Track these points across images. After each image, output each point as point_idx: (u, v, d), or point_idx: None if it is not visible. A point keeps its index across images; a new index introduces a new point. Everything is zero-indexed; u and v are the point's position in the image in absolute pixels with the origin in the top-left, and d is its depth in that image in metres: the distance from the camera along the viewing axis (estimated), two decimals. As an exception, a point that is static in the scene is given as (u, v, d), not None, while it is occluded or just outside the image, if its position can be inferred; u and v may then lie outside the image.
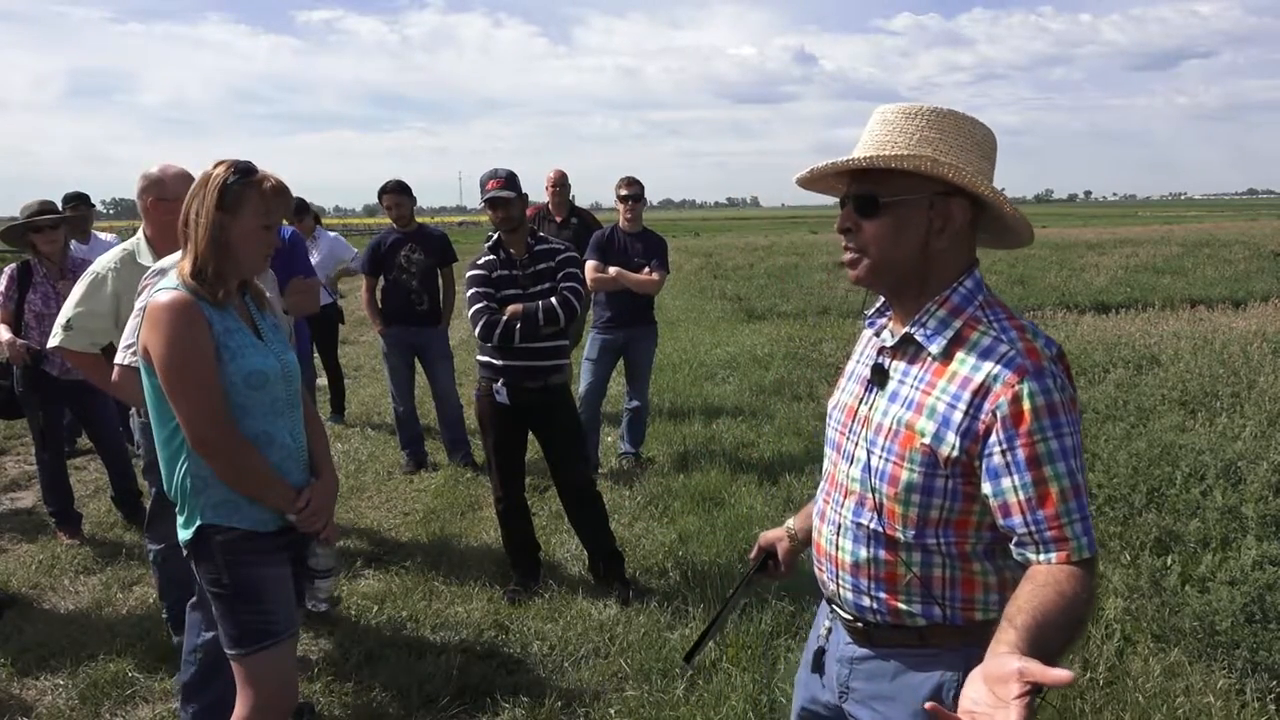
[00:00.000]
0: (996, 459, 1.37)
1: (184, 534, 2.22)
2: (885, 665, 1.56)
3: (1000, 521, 1.40)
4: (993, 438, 1.37)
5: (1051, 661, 1.19)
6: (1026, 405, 1.35)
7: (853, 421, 1.58)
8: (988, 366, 1.40)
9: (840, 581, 1.58)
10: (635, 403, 5.89)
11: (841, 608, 1.61)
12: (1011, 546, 1.40)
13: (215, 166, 2.19)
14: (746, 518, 4.71)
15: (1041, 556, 1.36)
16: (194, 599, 2.75)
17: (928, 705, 1.13)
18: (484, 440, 4.17)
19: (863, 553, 1.53)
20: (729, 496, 5.11)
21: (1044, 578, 1.32)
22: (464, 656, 3.48)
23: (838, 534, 1.58)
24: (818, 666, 1.72)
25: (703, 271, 20.76)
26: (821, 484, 1.67)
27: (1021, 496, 1.36)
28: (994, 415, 1.37)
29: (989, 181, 1.45)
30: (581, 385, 5.67)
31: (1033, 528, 1.36)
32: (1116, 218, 66.49)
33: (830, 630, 1.69)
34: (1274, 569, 3.58)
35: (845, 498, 1.56)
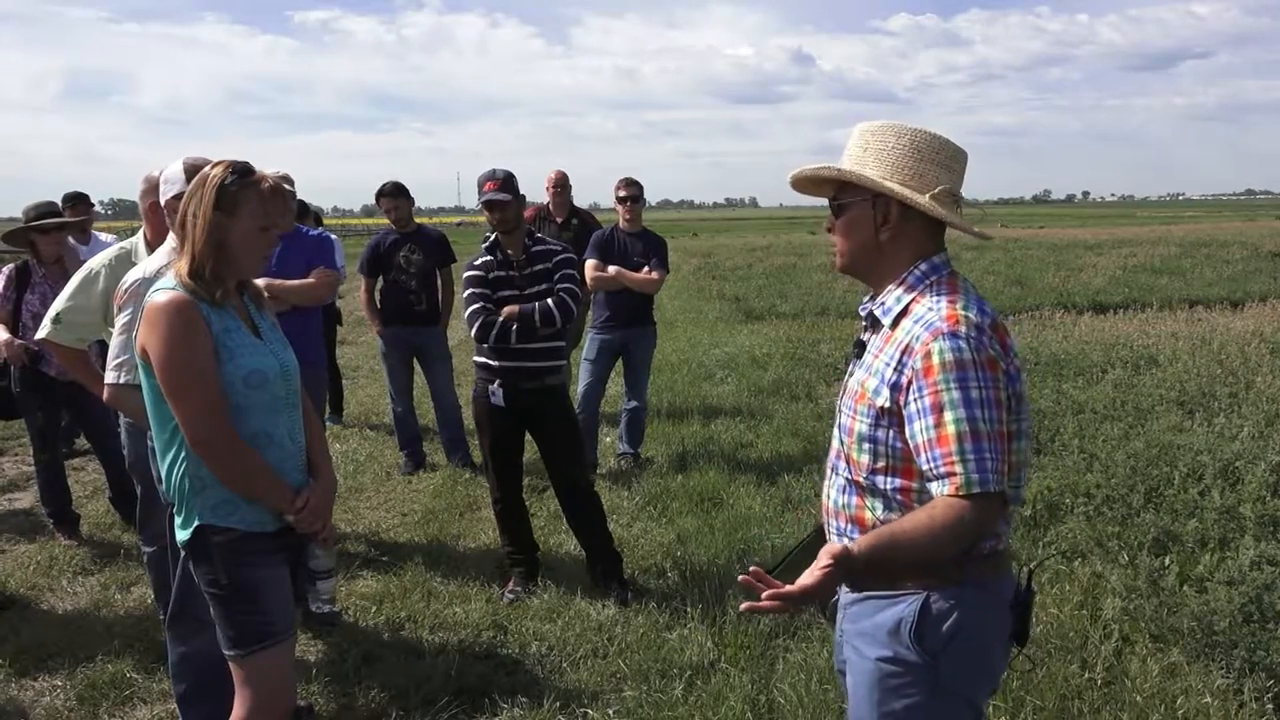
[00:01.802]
0: (911, 407, 1.61)
1: (182, 534, 2.22)
2: (865, 607, 1.75)
3: (917, 462, 1.61)
4: (910, 389, 1.61)
5: (901, 567, 1.58)
6: (935, 360, 1.58)
7: (844, 394, 1.82)
8: (914, 330, 1.64)
9: (830, 527, 1.81)
10: (634, 403, 5.89)
11: None
12: (928, 485, 1.60)
13: (213, 167, 2.19)
14: (745, 518, 4.71)
15: (938, 488, 1.57)
16: (171, 611, 2.74)
17: (751, 568, 1.50)
18: (481, 441, 4.17)
19: (840, 498, 1.78)
20: (727, 497, 5.10)
21: (928, 504, 1.57)
22: (462, 657, 3.47)
23: (830, 486, 1.83)
24: (832, 620, 1.94)
25: (701, 272, 20.76)
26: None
27: (924, 438, 1.58)
28: (912, 370, 1.61)
29: (946, 183, 1.68)
30: (580, 385, 5.68)
31: (932, 464, 1.57)
32: (1114, 218, 66.48)
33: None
34: (1272, 569, 3.58)
35: (834, 455, 1.81)
